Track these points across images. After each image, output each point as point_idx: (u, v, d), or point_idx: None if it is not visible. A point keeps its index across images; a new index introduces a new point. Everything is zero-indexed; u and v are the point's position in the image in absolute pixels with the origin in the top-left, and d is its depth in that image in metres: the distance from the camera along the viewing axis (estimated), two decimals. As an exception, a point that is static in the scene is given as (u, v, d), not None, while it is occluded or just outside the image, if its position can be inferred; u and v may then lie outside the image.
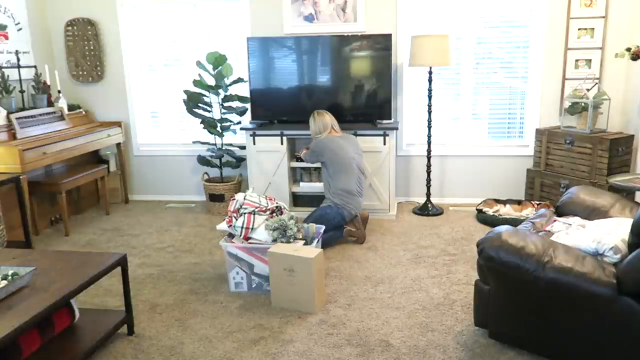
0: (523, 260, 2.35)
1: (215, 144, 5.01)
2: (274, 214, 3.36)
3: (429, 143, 4.68)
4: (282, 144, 4.60)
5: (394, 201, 4.69)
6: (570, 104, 4.44)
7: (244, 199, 3.38)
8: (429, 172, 4.76)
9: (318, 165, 4.38)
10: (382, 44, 4.55)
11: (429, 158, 4.72)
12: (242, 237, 3.26)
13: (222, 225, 3.41)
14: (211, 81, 4.89)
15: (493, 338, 2.64)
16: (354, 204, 4.06)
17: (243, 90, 4.96)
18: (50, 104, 4.80)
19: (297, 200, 4.83)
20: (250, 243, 3.25)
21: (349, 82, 4.67)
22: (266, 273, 3.22)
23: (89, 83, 5.30)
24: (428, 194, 4.81)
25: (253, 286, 3.28)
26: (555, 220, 2.93)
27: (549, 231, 2.80)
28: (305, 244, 3.24)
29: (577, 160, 4.32)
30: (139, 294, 3.31)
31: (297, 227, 3.25)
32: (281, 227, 3.20)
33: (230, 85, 4.83)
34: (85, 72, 5.25)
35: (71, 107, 5.10)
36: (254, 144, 4.65)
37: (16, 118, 4.26)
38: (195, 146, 5.24)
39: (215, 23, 5.07)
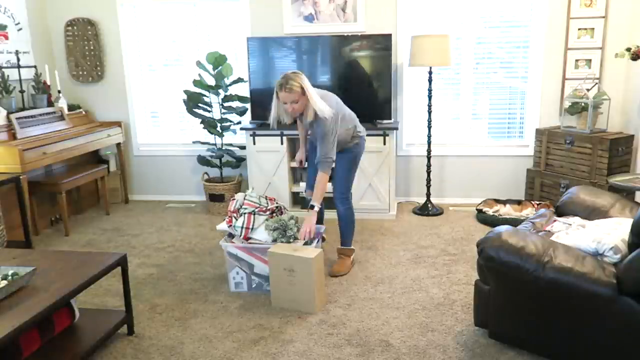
0: (523, 260, 2.35)
1: (215, 144, 5.02)
2: (274, 214, 3.36)
3: (429, 143, 4.68)
4: (282, 144, 4.60)
5: (394, 201, 4.68)
6: (570, 104, 4.44)
7: (244, 199, 3.38)
8: (429, 172, 4.76)
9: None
10: (382, 44, 4.55)
11: (429, 158, 4.72)
12: (242, 237, 3.26)
13: (222, 225, 3.41)
14: (211, 81, 4.89)
15: (493, 338, 2.64)
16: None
17: (243, 90, 4.96)
18: (50, 104, 4.80)
19: (297, 200, 4.84)
20: (250, 243, 3.25)
21: (348, 82, 4.67)
22: (266, 273, 3.22)
23: (89, 83, 5.30)
24: (428, 194, 4.81)
25: (253, 286, 3.28)
26: (555, 220, 2.93)
27: (549, 231, 2.80)
28: (305, 244, 3.23)
29: (577, 160, 4.32)
30: (139, 294, 3.31)
31: (297, 227, 3.25)
32: (281, 227, 3.20)
33: (230, 85, 4.83)
34: (85, 72, 5.25)
35: (71, 107, 5.10)
36: (254, 144, 4.65)
37: (16, 118, 4.26)
38: (195, 146, 5.24)
39: (215, 23, 5.07)
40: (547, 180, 4.56)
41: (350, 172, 3.50)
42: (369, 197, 4.59)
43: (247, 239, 3.27)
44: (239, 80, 4.81)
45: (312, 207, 3.23)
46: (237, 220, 3.27)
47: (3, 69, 4.47)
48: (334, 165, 3.36)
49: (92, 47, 5.18)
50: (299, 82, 3.08)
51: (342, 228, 3.61)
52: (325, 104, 3.18)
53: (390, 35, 4.53)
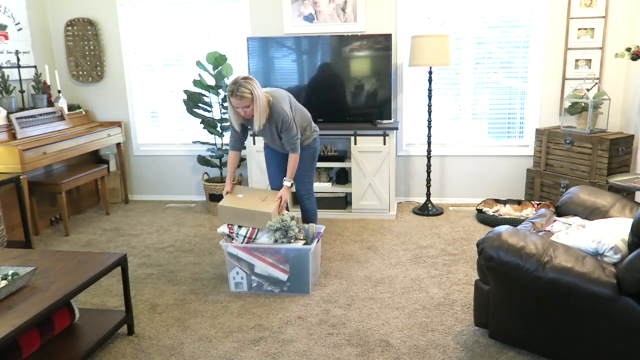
0: (523, 260, 2.35)
1: (215, 144, 5.01)
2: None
3: (429, 143, 4.68)
4: (282, 144, 4.59)
5: (394, 201, 4.68)
6: (570, 104, 4.44)
7: None
8: (429, 172, 4.76)
9: (321, 164, 4.35)
10: (382, 44, 4.55)
11: (429, 158, 4.72)
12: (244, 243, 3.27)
13: (223, 228, 3.40)
14: (211, 81, 4.90)
15: (493, 338, 2.64)
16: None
17: (243, 90, 4.95)
18: (50, 104, 4.80)
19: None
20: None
21: (349, 82, 4.67)
22: (267, 273, 3.22)
23: (89, 83, 5.30)
24: (428, 194, 4.80)
25: (253, 285, 3.28)
26: (555, 220, 2.93)
27: (549, 231, 2.80)
28: (305, 244, 3.24)
29: (577, 160, 4.32)
30: (139, 294, 3.31)
31: (298, 227, 3.25)
32: (283, 227, 3.20)
33: (230, 85, 4.82)
34: (85, 72, 5.25)
35: (71, 107, 5.10)
36: (254, 144, 4.65)
37: (16, 118, 4.26)
38: (195, 146, 5.24)
39: (215, 23, 5.07)
40: (547, 180, 4.56)
41: (311, 168, 3.64)
42: (369, 197, 4.59)
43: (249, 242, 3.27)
44: (239, 80, 4.80)
45: (286, 183, 3.41)
46: (240, 228, 3.28)
47: (3, 69, 4.47)
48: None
49: (92, 47, 5.18)
50: (250, 89, 3.11)
51: (308, 220, 3.69)
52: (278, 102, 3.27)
53: (390, 35, 4.53)
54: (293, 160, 3.40)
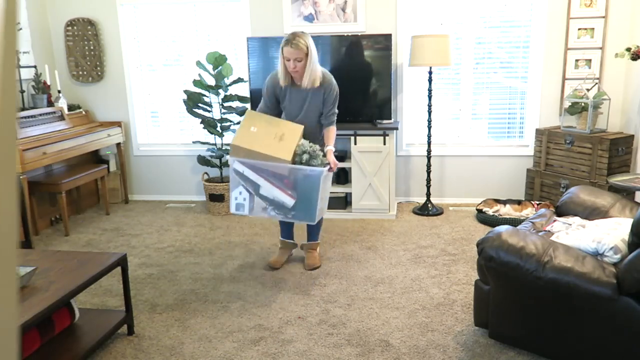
0: (523, 260, 2.35)
1: (215, 144, 5.01)
2: None
3: (429, 143, 4.68)
4: (282, 144, 4.59)
5: (394, 201, 4.68)
6: (570, 104, 4.44)
7: None
8: (429, 172, 4.76)
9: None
10: (382, 44, 4.55)
11: (428, 158, 4.72)
12: None
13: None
14: (211, 81, 4.90)
15: (493, 338, 2.64)
16: None
17: (243, 90, 4.96)
18: (50, 104, 4.80)
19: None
20: None
21: (348, 82, 4.67)
22: (272, 196, 3.05)
23: (89, 83, 5.30)
24: (428, 194, 4.80)
25: (255, 208, 3.13)
26: (555, 220, 2.93)
27: (549, 231, 2.80)
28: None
29: (577, 160, 4.32)
30: (139, 294, 3.31)
31: (322, 159, 3.07)
32: (310, 152, 3.01)
33: (230, 85, 4.83)
34: (85, 72, 5.25)
35: (71, 107, 5.10)
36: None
37: (16, 118, 4.25)
38: (195, 146, 5.24)
39: (215, 23, 5.07)
40: (547, 180, 4.56)
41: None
42: (369, 197, 4.59)
43: None
44: (239, 80, 4.81)
45: (330, 148, 3.26)
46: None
47: (3, 69, 4.47)
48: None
49: (92, 47, 5.18)
50: (305, 41, 3.05)
51: (313, 225, 3.55)
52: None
53: (390, 35, 4.53)
54: (333, 132, 3.36)
